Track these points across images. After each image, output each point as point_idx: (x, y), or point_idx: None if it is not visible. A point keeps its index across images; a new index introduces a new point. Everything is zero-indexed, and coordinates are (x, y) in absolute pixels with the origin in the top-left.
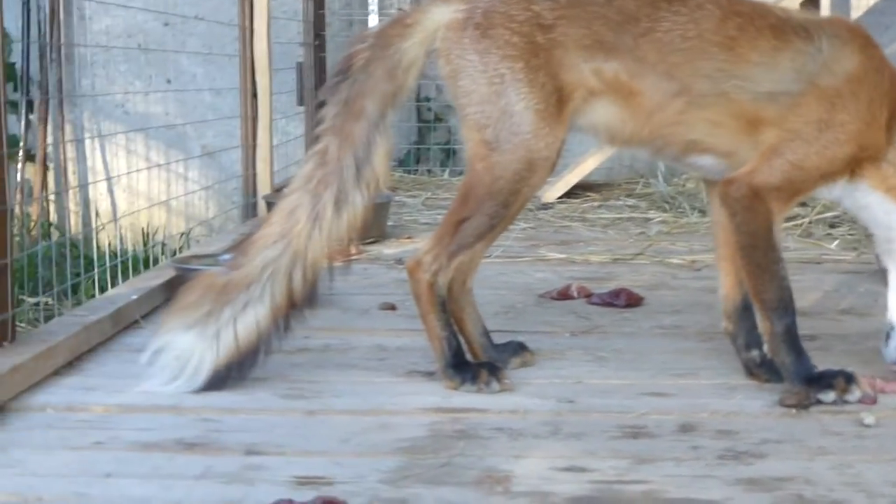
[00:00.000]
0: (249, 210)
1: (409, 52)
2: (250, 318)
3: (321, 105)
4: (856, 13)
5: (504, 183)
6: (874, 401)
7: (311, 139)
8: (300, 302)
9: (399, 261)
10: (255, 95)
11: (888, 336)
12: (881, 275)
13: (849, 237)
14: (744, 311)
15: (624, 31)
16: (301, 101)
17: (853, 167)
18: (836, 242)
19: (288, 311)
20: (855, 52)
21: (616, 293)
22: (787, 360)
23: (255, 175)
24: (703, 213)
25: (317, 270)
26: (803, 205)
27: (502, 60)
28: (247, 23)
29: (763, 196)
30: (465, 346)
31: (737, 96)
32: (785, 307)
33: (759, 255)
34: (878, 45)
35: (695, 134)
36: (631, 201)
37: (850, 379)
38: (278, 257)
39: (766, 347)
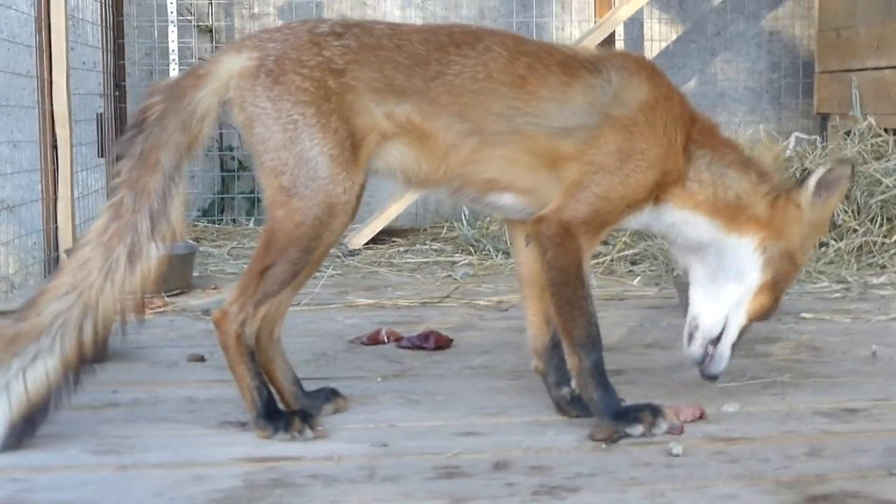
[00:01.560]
0: (51, 265)
1: (203, 102)
2: (40, 370)
3: (118, 158)
4: (649, 55)
5: (305, 229)
6: (681, 431)
7: (109, 192)
8: (91, 355)
9: (206, 312)
10: (54, 147)
11: (691, 336)
12: (682, 309)
13: (650, 273)
14: (553, 350)
15: (415, 74)
16: (101, 153)
17: (657, 193)
18: (638, 279)
19: (79, 365)
20: (643, 81)
21: (425, 336)
22: (595, 395)
23: (56, 229)
24: (507, 254)
25: (108, 324)
26: (605, 243)
27: (294, 106)
28: (45, 74)
29: (573, 232)
30: (277, 396)
31: (531, 132)
32: (593, 343)
33: (569, 291)
34: (665, 74)
35: (491, 172)
36: (437, 245)
37: (656, 412)
38: (68, 309)
39: (573, 383)
